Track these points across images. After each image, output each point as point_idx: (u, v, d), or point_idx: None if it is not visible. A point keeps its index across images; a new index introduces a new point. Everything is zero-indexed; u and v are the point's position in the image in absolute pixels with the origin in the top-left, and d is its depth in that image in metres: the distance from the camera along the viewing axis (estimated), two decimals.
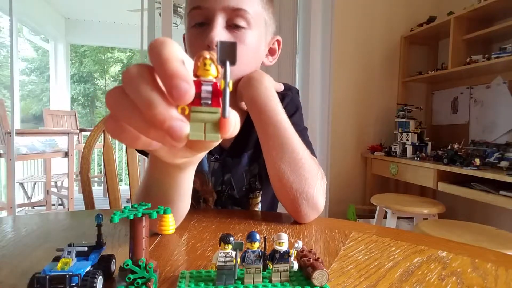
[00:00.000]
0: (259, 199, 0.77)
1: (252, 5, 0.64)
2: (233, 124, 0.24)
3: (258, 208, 0.77)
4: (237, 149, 0.74)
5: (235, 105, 0.71)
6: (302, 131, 0.70)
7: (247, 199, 0.76)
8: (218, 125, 0.24)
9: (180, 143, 0.23)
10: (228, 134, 0.24)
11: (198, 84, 0.23)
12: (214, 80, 0.24)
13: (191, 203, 0.75)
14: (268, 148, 0.61)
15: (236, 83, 0.66)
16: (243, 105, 0.69)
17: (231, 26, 0.64)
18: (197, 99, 0.23)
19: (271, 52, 0.76)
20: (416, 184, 2.38)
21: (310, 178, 0.59)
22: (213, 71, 0.24)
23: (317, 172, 0.61)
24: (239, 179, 0.75)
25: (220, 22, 0.62)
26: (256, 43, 0.68)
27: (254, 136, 0.67)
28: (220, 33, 0.62)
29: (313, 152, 0.67)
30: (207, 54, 0.24)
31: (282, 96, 0.71)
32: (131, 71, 0.24)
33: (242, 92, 0.65)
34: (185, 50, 0.73)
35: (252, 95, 0.63)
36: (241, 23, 0.64)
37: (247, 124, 0.74)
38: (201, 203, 0.76)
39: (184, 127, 0.23)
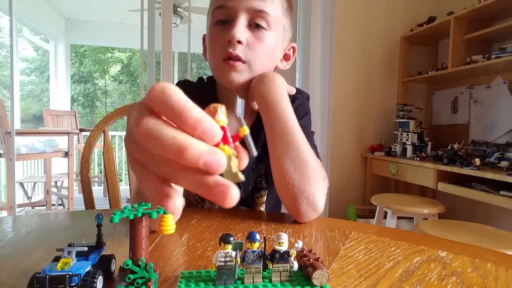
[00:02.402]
0: (264, 198, 0.77)
1: (273, 9, 0.68)
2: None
3: (263, 208, 0.78)
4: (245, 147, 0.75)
5: (246, 105, 0.73)
6: (309, 134, 0.71)
7: (252, 199, 0.77)
8: (238, 166, 0.26)
9: (218, 173, 0.24)
10: None
11: None
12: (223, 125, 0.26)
13: (197, 200, 0.76)
14: (274, 144, 0.62)
15: (250, 81, 0.69)
16: (255, 105, 0.71)
17: (252, 26, 0.67)
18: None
19: (286, 57, 0.79)
20: (416, 184, 2.38)
21: (313, 178, 0.60)
22: (223, 119, 0.26)
23: (320, 173, 0.61)
24: (246, 178, 0.75)
25: (242, 21, 0.65)
26: (274, 44, 0.71)
27: (263, 137, 0.68)
28: (241, 31, 0.65)
29: (317, 156, 0.67)
30: (219, 106, 0.26)
31: (292, 99, 0.73)
32: (145, 125, 0.24)
33: (254, 88, 0.67)
34: (204, 50, 0.76)
35: (263, 92, 0.64)
36: (262, 23, 0.67)
37: (257, 124, 0.75)
38: (206, 200, 0.76)
39: (220, 157, 0.24)
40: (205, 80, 0.81)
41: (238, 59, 0.65)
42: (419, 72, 2.66)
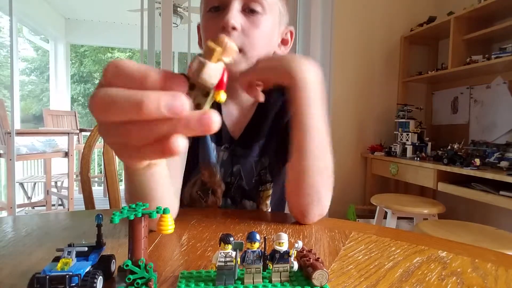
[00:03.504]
0: (270, 192, 0.76)
1: None
2: None
3: (269, 201, 0.76)
4: (247, 139, 0.74)
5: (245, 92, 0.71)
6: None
7: (257, 191, 0.75)
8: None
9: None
10: None
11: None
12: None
13: (200, 195, 0.75)
14: (299, 153, 0.57)
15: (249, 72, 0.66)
16: (253, 95, 0.68)
17: (246, 11, 0.64)
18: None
19: (284, 42, 0.76)
20: (416, 184, 2.38)
21: (328, 184, 0.59)
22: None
23: (332, 175, 0.60)
24: (249, 170, 0.74)
25: (236, 6, 0.63)
26: (270, 29, 0.68)
27: (265, 127, 0.66)
28: (235, 16, 0.62)
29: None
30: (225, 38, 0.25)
31: None
32: (96, 97, 0.23)
33: (300, 78, 0.55)
34: (199, 39, 0.73)
35: (311, 96, 0.56)
36: (257, 8, 0.64)
37: (258, 113, 0.73)
38: (209, 194, 0.75)
39: (181, 97, 0.22)
40: None
41: None
42: (419, 72, 2.66)
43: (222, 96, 0.25)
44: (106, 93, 0.23)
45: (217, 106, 0.72)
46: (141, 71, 0.23)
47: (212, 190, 0.74)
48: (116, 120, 0.23)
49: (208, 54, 0.24)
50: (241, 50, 0.63)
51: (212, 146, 0.73)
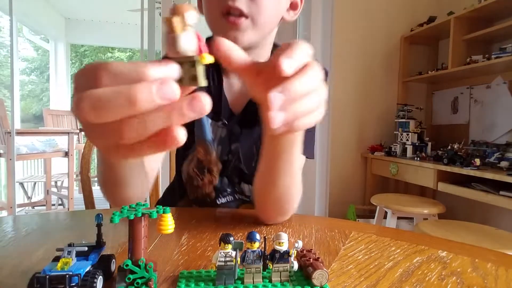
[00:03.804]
0: None
1: None
2: None
3: None
4: (248, 118, 0.70)
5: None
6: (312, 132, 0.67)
7: None
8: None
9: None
10: None
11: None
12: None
13: (196, 173, 0.72)
14: (275, 186, 0.52)
15: (256, 40, 0.60)
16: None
17: None
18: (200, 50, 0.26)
19: (293, 6, 0.68)
20: (416, 184, 2.38)
21: (296, 203, 0.57)
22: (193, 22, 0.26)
23: (300, 193, 0.57)
24: (248, 152, 0.70)
25: None
26: None
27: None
28: None
29: (311, 152, 0.66)
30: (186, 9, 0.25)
31: None
32: (85, 99, 0.22)
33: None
34: (199, 2, 0.67)
35: (289, 146, 0.45)
36: None
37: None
38: (205, 173, 0.71)
39: (172, 84, 0.23)
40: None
41: (240, 13, 0.56)
42: (419, 72, 2.66)
43: (207, 58, 0.26)
44: (95, 94, 0.22)
45: (218, 78, 0.69)
46: (127, 67, 0.23)
47: (208, 169, 0.71)
48: (108, 120, 0.22)
49: (170, 28, 0.24)
50: (248, 17, 0.57)
51: (207, 122, 0.69)
